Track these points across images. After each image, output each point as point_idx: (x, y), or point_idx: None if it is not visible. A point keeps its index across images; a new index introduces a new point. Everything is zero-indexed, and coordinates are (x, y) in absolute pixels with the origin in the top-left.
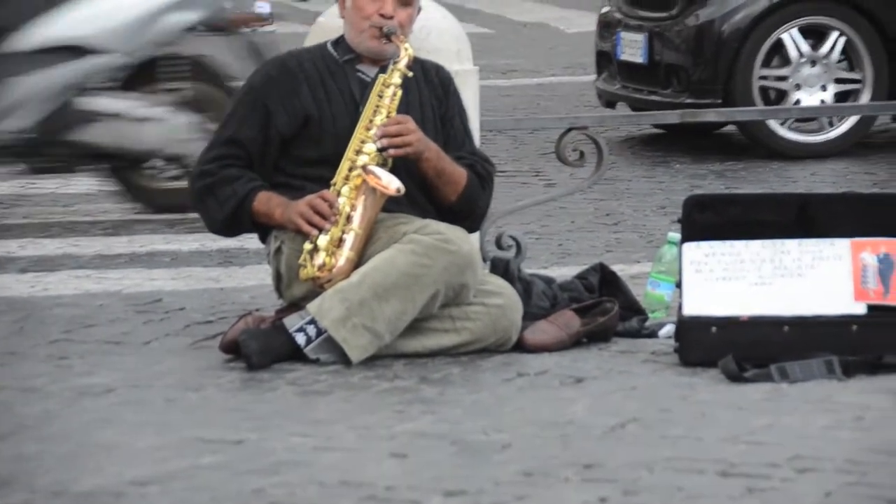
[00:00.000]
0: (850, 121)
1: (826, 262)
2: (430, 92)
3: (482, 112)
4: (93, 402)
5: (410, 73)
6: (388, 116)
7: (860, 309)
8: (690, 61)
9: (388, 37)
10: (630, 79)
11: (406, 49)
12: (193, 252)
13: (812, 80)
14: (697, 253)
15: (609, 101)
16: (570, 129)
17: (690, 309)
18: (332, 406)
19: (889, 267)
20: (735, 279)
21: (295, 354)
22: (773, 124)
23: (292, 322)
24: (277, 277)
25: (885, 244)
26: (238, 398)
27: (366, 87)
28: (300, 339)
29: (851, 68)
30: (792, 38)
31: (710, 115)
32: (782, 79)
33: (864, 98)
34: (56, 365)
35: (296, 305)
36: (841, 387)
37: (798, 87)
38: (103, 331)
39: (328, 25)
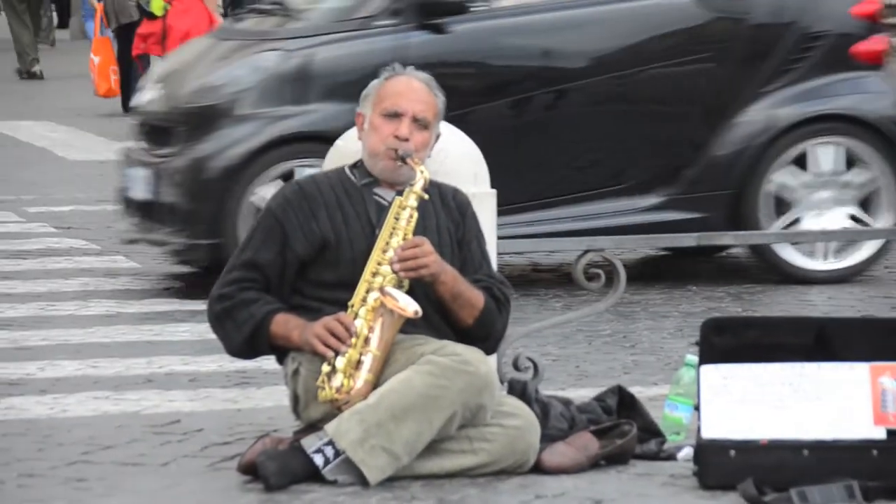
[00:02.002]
0: None
1: (845, 387)
2: (447, 215)
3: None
4: None
5: (426, 196)
6: (404, 239)
7: (880, 434)
8: (185, 198)
9: (403, 159)
10: (142, 216)
11: (422, 172)
12: (211, 373)
13: None
14: (716, 376)
15: (130, 239)
16: (587, 252)
17: (709, 432)
18: None
19: None
20: (754, 402)
21: (313, 475)
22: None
23: (310, 443)
24: (295, 399)
25: None
26: None
27: (383, 210)
28: (318, 460)
29: None
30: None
31: (727, 238)
32: None
33: None
34: (74, 487)
35: (313, 427)
36: None
37: None
38: (121, 452)
39: (346, 149)
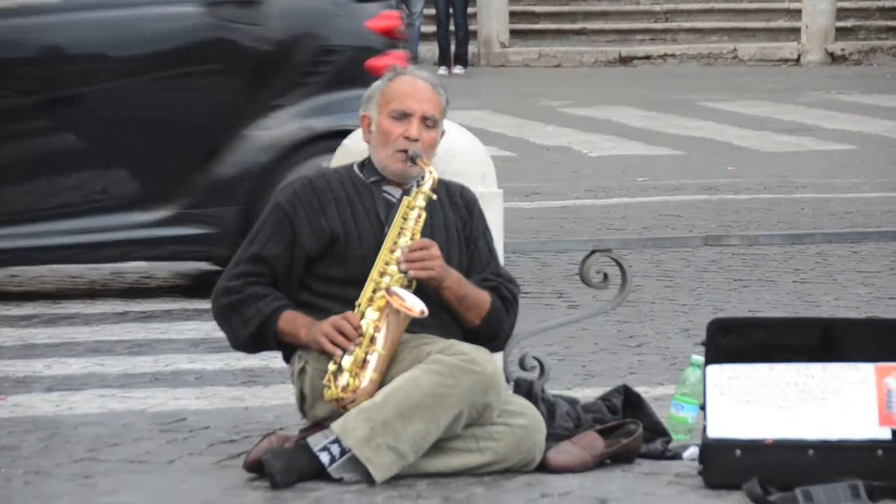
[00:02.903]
0: None
1: (850, 387)
2: (455, 213)
3: (506, 234)
4: None
5: (435, 196)
6: (412, 238)
7: (885, 434)
8: None
9: (413, 160)
10: None
11: (431, 172)
12: (218, 371)
13: None
14: (721, 376)
15: None
16: (593, 252)
17: (715, 431)
18: None
19: None
20: (759, 402)
21: (319, 474)
22: None
23: (316, 441)
24: (301, 397)
25: None
26: None
27: (391, 207)
28: (324, 458)
29: None
30: None
31: (734, 240)
32: None
33: None
34: (80, 484)
35: (319, 425)
36: None
37: None
38: (127, 450)
39: (353, 149)
